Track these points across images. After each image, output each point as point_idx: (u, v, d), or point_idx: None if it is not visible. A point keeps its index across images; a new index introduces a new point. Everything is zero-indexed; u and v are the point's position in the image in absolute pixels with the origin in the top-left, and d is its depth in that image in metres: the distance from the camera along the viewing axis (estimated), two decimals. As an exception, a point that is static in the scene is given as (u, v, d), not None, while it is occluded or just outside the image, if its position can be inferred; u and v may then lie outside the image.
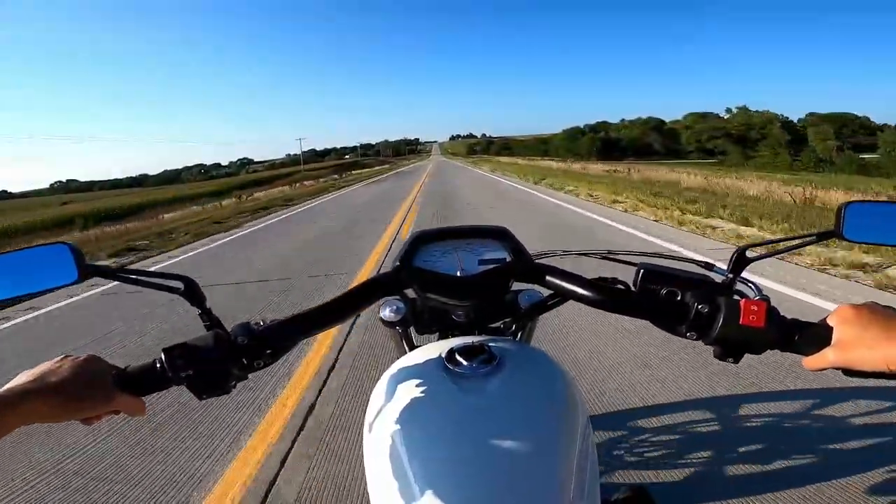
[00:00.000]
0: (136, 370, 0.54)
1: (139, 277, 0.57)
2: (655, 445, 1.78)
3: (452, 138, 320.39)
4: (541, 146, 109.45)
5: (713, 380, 2.21)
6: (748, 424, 1.91)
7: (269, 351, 0.56)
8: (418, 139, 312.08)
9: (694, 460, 1.68)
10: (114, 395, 0.52)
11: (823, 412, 1.93)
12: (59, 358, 0.52)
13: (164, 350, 0.52)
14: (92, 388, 0.50)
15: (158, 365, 0.53)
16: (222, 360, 0.54)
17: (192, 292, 0.57)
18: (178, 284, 0.57)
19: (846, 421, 1.85)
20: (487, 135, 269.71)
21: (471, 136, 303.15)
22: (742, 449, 1.73)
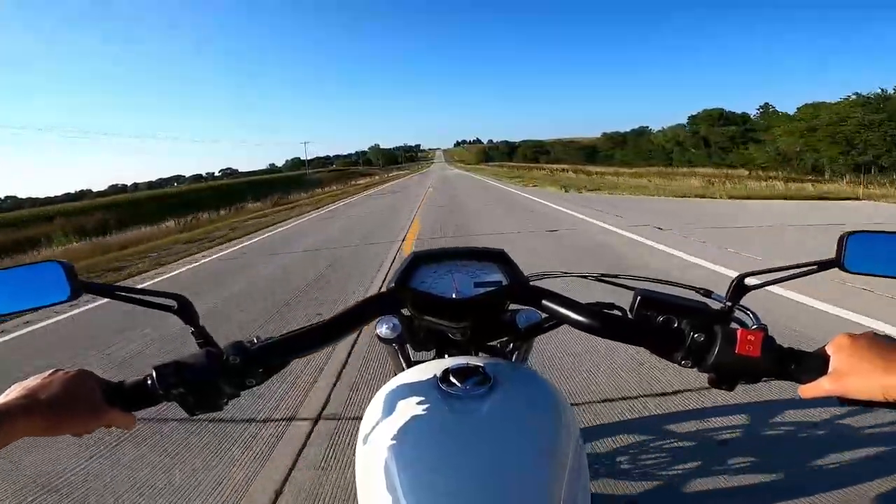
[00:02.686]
0: (128, 386, 0.59)
1: (132, 295, 0.63)
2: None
3: (457, 144, 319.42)
4: (616, 151, 69.26)
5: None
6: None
7: (261, 370, 0.62)
8: (419, 145, 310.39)
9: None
10: (104, 411, 0.57)
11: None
12: (49, 372, 0.57)
13: (156, 367, 0.58)
14: (83, 404, 0.56)
15: (149, 382, 0.58)
16: (213, 379, 0.59)
17: (186, 310, 0.63)
18: (172, 303, 0.63)
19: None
20: (494, 140, 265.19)
21: (478, 141, 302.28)
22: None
